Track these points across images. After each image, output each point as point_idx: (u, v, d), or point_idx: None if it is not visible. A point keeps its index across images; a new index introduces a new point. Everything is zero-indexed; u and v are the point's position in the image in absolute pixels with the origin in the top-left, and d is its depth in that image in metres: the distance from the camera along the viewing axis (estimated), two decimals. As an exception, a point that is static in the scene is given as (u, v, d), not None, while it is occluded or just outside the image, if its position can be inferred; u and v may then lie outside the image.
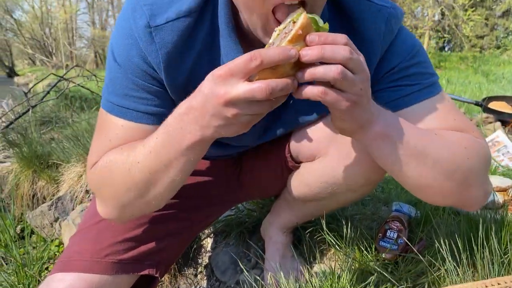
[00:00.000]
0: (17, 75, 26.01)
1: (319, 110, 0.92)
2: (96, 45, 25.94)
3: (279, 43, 0.59)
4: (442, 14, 12.75)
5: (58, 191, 2.07)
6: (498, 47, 25.92)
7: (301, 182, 1.07)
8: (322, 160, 0.98)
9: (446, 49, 28.07)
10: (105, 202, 0.83)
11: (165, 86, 0.81)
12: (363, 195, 1.10)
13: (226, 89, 0.58)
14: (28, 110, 3.11)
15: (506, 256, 0.91)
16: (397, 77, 0.84)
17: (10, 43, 29.60)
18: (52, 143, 2.50)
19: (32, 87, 3.90)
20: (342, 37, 0.59)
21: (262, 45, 0.66)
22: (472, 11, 11.87)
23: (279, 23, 0.65)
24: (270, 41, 0.61)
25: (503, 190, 1.37)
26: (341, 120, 0.66)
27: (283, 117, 0.95)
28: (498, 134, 2.07)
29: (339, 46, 0.58)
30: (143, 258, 0.99)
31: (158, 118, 0.80)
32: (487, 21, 25.70)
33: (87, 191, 1.82)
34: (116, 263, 0.94)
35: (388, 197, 1.43)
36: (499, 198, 1.24)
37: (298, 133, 1.01)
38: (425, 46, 21.83)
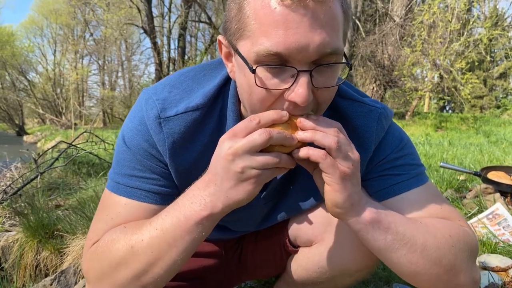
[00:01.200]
0: (27, 133, 26.58)
1: (317, 196, 0.98)
2: (105, 104, 26.72)
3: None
4: (441, 77, 13.15)
5: (62, 263, 2.07)
6: (498, 107, 26.43)
7: (300, 266, 1.09)
8: (319, 246, 1.03)
9: (447, 109, 28.63)
10: (99, 283, 0.82)
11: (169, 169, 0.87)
12: (360, 279, 1.12)
13: (231, 145, 0.66)
14: (37, 176, 3.18)
15: None
16: (387, 167, 0.91)
17: (22, 103, 30.52)
18: (58, 211, 2.54)
19: (42, 155, 4.01)
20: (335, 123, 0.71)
21: None
22: (469, 75, 12.28)
23: None
24: None
25: (503, 270, 1.37)
26: (335, 192, 0.72)
27: (283, 203, 1.00)
28: (498, 207, 2.09)
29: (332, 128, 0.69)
30: None
31: (161, 198, 0.86)
32: (485, 82, 26.44)
33: (90, 265, 1.83)
34: None
35: (389, 276, 1.43)
36: (498, 279, 1.24)
37: (297, 218, 1.06)
38: (425, 107, 22.27)
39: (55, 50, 33.68)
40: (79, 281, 1.78)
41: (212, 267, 1.18)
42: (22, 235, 2.27)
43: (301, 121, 0.69)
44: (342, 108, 0.88)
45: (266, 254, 1.16)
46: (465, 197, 2.56)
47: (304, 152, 0.69)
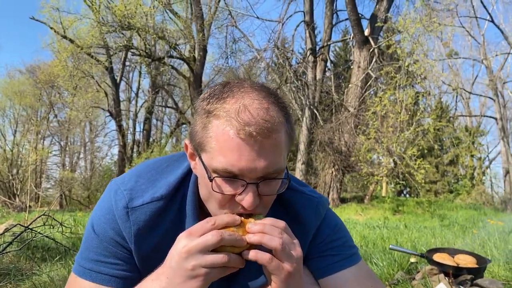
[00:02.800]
0: (-26, 216, 24.88)
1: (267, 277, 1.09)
2: (64, 186, 25.84)
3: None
4: (395, 163, 13.92)
5: None
6: (451, 192, 27.70)
7: None
8: None
9: (404, 193, 29.68)
10: None
11: (132, 254, 0.97)
12: None
13: (186, 243, 0.77)
14: (-13, 262, 3.05)
15: None
16: (324, 249, 1.07)
17: (-29, 184, 28.93)
18: (8, 299, 2.44)
19: (-4, 237, 3.86)
20: (281, 223, 0.84)
21: None
22: (421, 161, 13.09)
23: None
24: None
25: None
26: None
27: (236, 283, 1.10)
28: (441, 286, 2.24)
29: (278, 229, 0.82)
30: None
31: (123, 282, 0.95)
32: (437, 168, 27.98)
33: None
34: None
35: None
36: None
37: None
38: (383, 192, 22.94)
39: (15, 131, 33.08)
40: None
41: None
42: (-33, 325, 2.16)
43: (249, 227, 0.81)
44: (287, 198, 1.04)
45: None
46: (414, 278, 2.71)
47: (252, 255, 0.80)
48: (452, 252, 2.84)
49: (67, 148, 31.13)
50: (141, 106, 25.67)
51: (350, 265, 1.05)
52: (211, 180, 0.84)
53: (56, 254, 3.56)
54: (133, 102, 26.66)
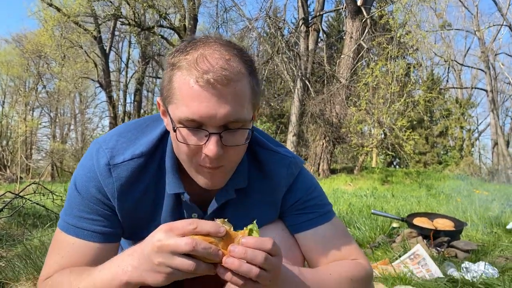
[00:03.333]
0: (-35, 187, 24.87)
1: None
2: (54, 158, 25.77)
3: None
4: (385, 134, 14.07)
5: (1, 312, 2.05)
6: (440, 163, 28.18)
7: None
8: None
9: (394, 164, 30.11)
10: None
11: (114, 210, 1.01)
12: None
13: (162, 238, 0.77)
14: (-21, 227, 3.11)
15: None
16: (300, 208, 1.12)
17: (-38, 155, 28.74)
18: (1, 261, 2.51)
19: (-14, 204, 3.90)
20: (267, 245, 0.79)
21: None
22: (410, 132, 13.24)
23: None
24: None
25: (410, 298, 1.58)
26: None
27: None
28: (418, 248, 2.34)
29: (259, 252, 0.77)
30: None
31: (105, 237, 1.01)
32: (427, 139, 28.32)
33: (33, 311, 1.84)
34: None
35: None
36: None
37: None
38: (373, 163, 23.20)
39: (3, 102, 32.64)
40: (19, 327, 1.79)
41: None
42: (-40, 286, 2.22)
43: (231, 250, 0.76)
44: (260, 156, 1.09)
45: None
46: (394, 241, 2.82)
47: (227, 276, 0.77)
48: (432, 216, 2.95)
49: (57, 120, 30.87)
50: (131, 77, 25.36)
51: (324, 221, 1.12)
52: (174, 130, 0.87)
53: (47, 221, 3.61)
54: (123, 73, 26.31)
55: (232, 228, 0.81)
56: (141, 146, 1.00)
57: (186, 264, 0.75)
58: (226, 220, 0.82)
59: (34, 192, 4.36)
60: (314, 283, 0.97)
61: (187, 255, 0.75)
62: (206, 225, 0.77)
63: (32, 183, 4.50)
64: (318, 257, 1.12)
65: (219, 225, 0.77)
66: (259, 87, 0.93)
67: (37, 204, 3.81)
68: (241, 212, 1.11)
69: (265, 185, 1.09)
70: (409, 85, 13.86)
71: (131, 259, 0.82)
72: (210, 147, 0.85)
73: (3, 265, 2.42)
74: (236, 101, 0.85)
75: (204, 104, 0.82)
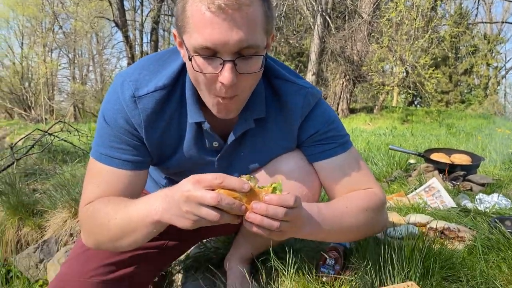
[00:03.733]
0: (-7, 128, 25.77)
1: (262, 160, 1.22)
2: (76, 99, 26.18)
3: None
4: (407, 72, 13.70)
5: (42, 236, 2.25)
6: (463, 102, 27.50)
7: None
8: None
9: (415, 103, 29.56)
10: (86, 235, 1.09)
11: (141, 140, 1.09)
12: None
13: (190, 189, 0.83)
14: (13, 163, 3.30)
15: (407, 269, 1.19)
16: (319, 139, 1.17)
17: (-12, 97, 29.47)
18: (36, 193, 2.69)
19: (17, 142, 4.10)
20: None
21: None
22: (433, 70, 12.84)
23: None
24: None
25: (423, 225, 1.66)
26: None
27: (235, 166, 1.23)
28: (433, 181, 2.40)
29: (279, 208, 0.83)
30: (122, 280, 1.21)
31: (134, 165, 1.09)
32: (451, 78, 27.43)
33: (71, 235, 2.02)
34: (100, 283, 1.16)
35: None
36: (417, 230, 1.52)
37: None
38: (394, 102, 22.76)
39: (22, 43, 32.67)
40: (60, 249, 1.97)
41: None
42: (3, 214, 2.43)
43: (253, 206, 0.82)
44: (277, 87, 1.12)
45: None
46: (410, 175, 2.88)
47: (251, 228, 0.85)
48: (449, 152, 2.97)
49: (75, 61, 30.92)
50: (147, 16, 24.77)
51: (341, 151, 1.17)
52: (190, 59, 0.89)
53: (75, 157, 3.79)
54: (139, 11, 25.69)
55: (257, 184, 0.86)
56: (163, 78, 1.04)
57: (211, 214, 0.80)
58: (252, 176, 0.87)
59: (61, 130, 4.53)
60: (332, 219, 1.03)
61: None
62: (232, 181, 0.81)
63: (59, 121, 4.66)
64: (334, 185, 1.19)
65: (244, 182, 0.81)
66: (272, 13, 0.93)
67: (65, 141, 3.97)
68: (260, 142, 1.17)
69: (282, 115, 1.13)
70: (435, 20, 13.23)
71: (163, 202, 0.89)
72: (225, 75, 0.87)
73: (40, 196, 2.60)
74: (248, 26, 0.85)
75: (217, 30, 0.83)
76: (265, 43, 0.92)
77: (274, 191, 0.86)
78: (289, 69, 1.19)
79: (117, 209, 0.99)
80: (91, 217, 1.04)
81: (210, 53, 0.87)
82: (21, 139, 4.26)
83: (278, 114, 1.13)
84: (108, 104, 1.06)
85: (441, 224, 1.62)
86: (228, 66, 0.87)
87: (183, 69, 1.06)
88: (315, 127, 1.15)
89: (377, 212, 1.15)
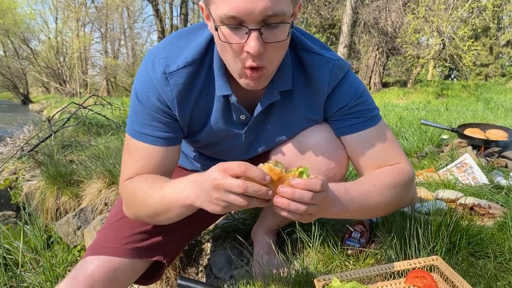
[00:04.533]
0: (31, 102, 26.81)
1: (288, 133, 1.22)
2: (108, 73, 26.73)
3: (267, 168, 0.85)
4: (443, 44, 13.12)
5: (79, 205, 2.37)
6: (504, 75, 26.21)
7: None
8: None
9: (452, 77, 28.44)
10: (126, 208, 1.17)
11: (173, 117, 1.11)
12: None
13: (218, 177, 0.84)
14: (51, 135, 3.44)
15: (433, 243, 1.19)
16: (347, 112, 1.16)
17: (26, 71, 30.53)
18: (73, 164, 2.82)
19: (54, 114, 4.26)
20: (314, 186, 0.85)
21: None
22: (472, 42, 12.24)
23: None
24: (261, 165, 0.86)
25: (452, 201, 1.63)
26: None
27: (262, 138, 1.24)
28: (466, 157, 2.33)
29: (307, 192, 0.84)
30: (154, 247, 1.27)
31: (167, 141, 1.13)
32: (491, 50, 26.11)
33: (106, 204, 2.11)
34: (133, 250, 1.22)
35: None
36: (445, 205, 1.50)
37: (276, 150, 1.30)
38: (429, 75, 21.97)
39: (56, 18, 33.36)
40: (96, 217, 2.07)
41: None
42: (43, 183, 2.56)
43: (280, 190, 0.84)
44: (303, 59, 1.10)
45: None
46: (442, 151, 2.81)
47: (284, 214, 0.87)
48: (485, 127, 2.87)
49: (107, 35, 31.35)
50: (176, -12, 24.65)
51: (370, 126, 1.16)
52: (216, 29, 0.89)
53: (109, 130, 3.91)
54: (168, -16, 25.57)
55: (283, 169, 0.87)
56: (192, 52, 1.05)
57: (239, 200, 0.83)
58: (279, 162, 0.88)
59: (95, 103, 4.67)
60: (359, 198, 1.03)
61: None
62: (253, 171, 0.82)
63: (93, 94, 4.79)
64: (362, 159, 1.18)
65: (265, 173, 0.83)
66: None
67: (99, 114, 4.10)
68: (286, 114, 1.17)
69: (308, 87, 1.13)
70: (477, -13, 12.52)
71: (194, 188, 0.93)
72: (251, 44, 0.87)
73: (76, 167, 2.72)
74: None
75: None
76: (291, 11, 0.90)
77: (300, 175, 0.87)
78: (317, 41, 1.17)
79: (154, 189, 1.03)
80: (131, 193, 1.10)
81: (236, 23, 0.87)
82: (57, 112, 4.43)
83: (305, 86, 1.13)
84: (140, 82, 1.08)
85: (471, 200, 1.59)
86: (254, 34, 0.86)
87: (210, 42, 1.07)
88: (343, 101, 1.14)
89: (405, 188, 1.14)
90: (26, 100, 27.90)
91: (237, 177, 0.83)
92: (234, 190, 0.82)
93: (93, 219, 2.06)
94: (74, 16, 30.79)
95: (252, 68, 0.94)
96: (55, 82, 29.76)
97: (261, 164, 0.87)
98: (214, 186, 0.84)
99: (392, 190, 1.10)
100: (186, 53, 1.06)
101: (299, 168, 0.88)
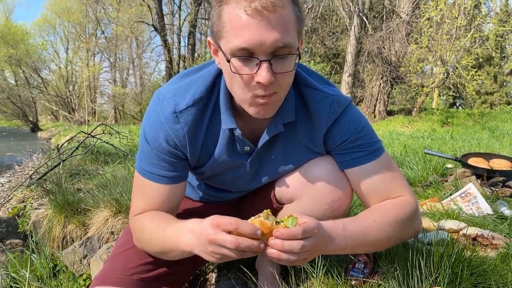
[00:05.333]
0: (40, 129, 27.17)
1: (292, 163, 1.26)
2: (117, 101, 27.16)
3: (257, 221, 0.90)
4: (447, 73, 13.25)
5: (86, 233, 2.39)
6: (509, 103, 26.26)
7: None
8: (298, 202, 1.30)
9: (457, 105, 28.52)
10: (136, 241, 1.24)
11: (179, 157, 1.17)
12: (341, 212, 1.34)
13: (211, 233, 0.89)
14: (59, 163, 3.50)
15: (435, 274, 1.20)
16: (349, 147, 1.19)
17: (36, 100, 31.10)
18: (80, 193, 2.86)
19: (63, 143, 4.34)
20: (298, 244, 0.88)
21: (248, 116, 1.04)
22: (475, 71, 12.36)
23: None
24: (253, 218, 0.92)
25: (455, 231, 1.64)
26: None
27: (266, 168, 1.28)
28: (470, 186, 2.35)
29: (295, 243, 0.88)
30: (160, 278, 1.29)
31: (173, 180, 1.19)
32: (496, 78, 26.26)
33: (112, 232, 2.14)
34: (140, 281, 1.24)
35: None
36: (447, 236, 1.51)
37: (280, 181, 1.33)
38: (434, 104, 22.02)
39: (67, 48, 34.30)
40: (102, 246, 2.09)
41: None
42: (51, 211, 2.59)
43: (271, 243, 0.88)
44: (304, 94, 1.15)
45: (258, 212, 1.44)
46: (446, 180, 2.82)
47: (279, 262, 0.91)
48: (489, 157, 2.88)
49: (116, 64, 32.06)
50: (184, 20, 25.33)
51: (372, 159, 1.18)
52: (228, 61, 0.93)
53: (116, 158, 3.97)
54: (176, 15, 26.28)
55: (274, 221, 0.91)
56: (199, 89, 1.11)
57: (232, 254, 0.88)
58: (270, 212, 0.93)
59: (103, 132, 4.76)
60: (358, 234, 1.05)
61: None
62: (245, 228, 0.87)
63: (101, 124, 4.90)
64: (365, 192, 1.21)
65: (256, 228, 0.87)
66: (302, 15, 0.97)
67: (107, 143, 4.17)
68: (289, 145, 1.21)
69: (309, 121, 1.17)
70: (478, 19, 12.75)
71: (192, 237, 0.98)
72: (262, 74, 0.91)
73: (83, 195, 2.75)
74: (282, 26, 0.90)
75: (253, 31, 0.88)
76: (297, 43, 0.96)
77: (293, 224, 0.91)
78: (319, 76, 1.22)
79: (158, 229, 1.10)
80: (139, 229, 1.18)
81: (247, 54, 0.91)
82: (67, 141, 4.52)
83: (306, 120, 1.17)
84: (148, 123, 1.13)
85: (474, 230, 1.60)
86: (264, 65, 0.91)
87: (216, 78, 1.13)
88: (344, 135, 1.17)
89: (407, 222, 1.15)
90: (35, 128, 28.29)
91: (230, 232, 0.88)
92: (228, 246, 0.86)
93: (99, 248, 2.08)
94: (84, 46, 31.62)
95: (263, 97, 0.98)
96: (64, 110, 30.27)
97: (252, 218, 0.91)
98: (209, 241, 0.89)
99: (394, 225, 1.11)
100: (193, 91, 1.10)
101: (290, 217, 0.92)
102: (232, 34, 0.90)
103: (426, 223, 1.71)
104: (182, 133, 1.11)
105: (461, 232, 1.61)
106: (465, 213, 2.04)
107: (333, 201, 1.23)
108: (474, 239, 1.56)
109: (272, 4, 0.87)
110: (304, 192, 1.27)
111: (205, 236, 0.90)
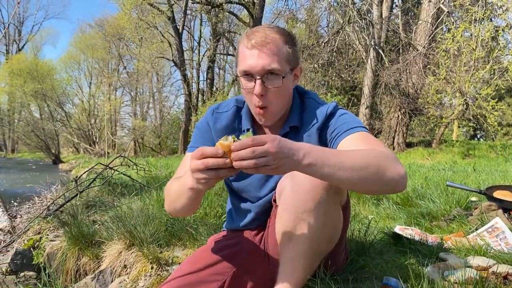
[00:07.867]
0: (62, 162, 27.71)
1: None
2: (136, 134, 27.62)
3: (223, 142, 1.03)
4: (467, 104, 13.08)
5: (99, 266, 2.35)
6: (532, 135, 25.61)
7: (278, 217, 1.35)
8: (283, 192, 1.32)
9: (478, 137, 28.00)
10: (165, 202, 1.43)
11: (212, 139, 1.47)
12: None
13: (191, 164, 1.06)
14: (76, 195, 3.51)
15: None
16: (336, 126, 1.37)
17: (58, 133, 31.92)
18: (95, 224, 2.84)
19: (81, 175, 4.37)
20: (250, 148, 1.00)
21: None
22: (496, 102, 12.17)
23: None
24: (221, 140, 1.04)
25: (484, 269, 1.54)
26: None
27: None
28: (497, 221, 2.23)
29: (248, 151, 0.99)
30: None
31: None
32: (517, 110, 25.77)
33: (125, 266, 2.09)
34: None
35: (379, 274, 1.63)
36: (476, 274, 1.42)
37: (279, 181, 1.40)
38: (454, 135, 21.64)
39: (90, 83, 35.54)
40: (115, 279, 2.04)
41: (245, 252, 1.52)
42: (65, 243, 2.57)
43: (232, 156, 1.00)
44: (306, 104, 1.48)
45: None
46: (471, 214, 2.70)
47: (236, 164, 1.00)
48: (515, 189, 2.76)
49: (137, 98, 32.85)
50: (203, 55, 26.03)
51: (352, 133, 1.31)
52: (236, 78, 1.14)
53: (133, 190, 3.97)
54: (196, 51, 27.07)
55: (234, 140, 1.03)
56: (231, 103, 1.55)
57: (209, 174, 1.03)
58: (228, 136, 1.05)
59: (121, 164, 4.80)
60: (335, 153, 1.13)
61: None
62: (207, 151, 1.02)
63: (119, 155, 4.94)
64: None
65: (217, 149, 1.01)
66: (294, 49, 1.36)
67: (124, 174, 4.18)
68: None
69: (309, 124, 1.43)
70: (497, 50, 12.67)
71: (188, 174, 1.14)
72: (256, 87, 1.32)
73: (98, 227, 2.73)
74: (271, 57, 1.30)
75: (250, 59, 1.32)
76: (287, 69, 1.34)
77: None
78: (317, 97, 1.54)
79: (175, 183, 1.33)
80: (167, 188, 1.41)
81: (248, 75, 1.33)
82: (85, 172, 4.56)
83: (307, 124, 1.44)
84: (202, 119, 1.57)
85: (504, 268, 1.50)
86: (258, 82, 1.32)
87: (240, 96, 1.53)
88: (333, 124, 1.40)
89: (385, 157, 1.14)
90: (57, 160, 28.85)
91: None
92: (200, 168, 1.02)
93: (112, 281, 2.03)
94: (107, 81, 32.70)
95: (260, 107, 1.36)
96: (85, 143, 30.93)
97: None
98: (191, 171, 1.07)
99: (370, 154, 1.13)
100: (228, 104, 1.55)
101: (248, 134, 1.09)
102: (240, 62, 1.37)
103: (453, 260, 1.61)
104: (211, 122, 1.51)
105: (490, 270, 1.51)
106: (494, 249, 1.93)
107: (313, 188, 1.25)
108: (505, 277, 1.46)
109: (264, 42, 1.30)
110: (289, 181, 1.30)
111: (189, 169, 1.08)
